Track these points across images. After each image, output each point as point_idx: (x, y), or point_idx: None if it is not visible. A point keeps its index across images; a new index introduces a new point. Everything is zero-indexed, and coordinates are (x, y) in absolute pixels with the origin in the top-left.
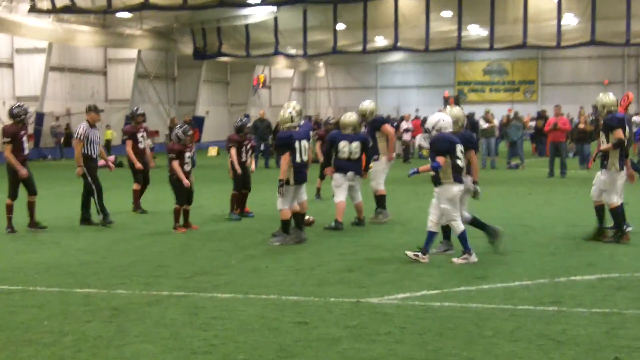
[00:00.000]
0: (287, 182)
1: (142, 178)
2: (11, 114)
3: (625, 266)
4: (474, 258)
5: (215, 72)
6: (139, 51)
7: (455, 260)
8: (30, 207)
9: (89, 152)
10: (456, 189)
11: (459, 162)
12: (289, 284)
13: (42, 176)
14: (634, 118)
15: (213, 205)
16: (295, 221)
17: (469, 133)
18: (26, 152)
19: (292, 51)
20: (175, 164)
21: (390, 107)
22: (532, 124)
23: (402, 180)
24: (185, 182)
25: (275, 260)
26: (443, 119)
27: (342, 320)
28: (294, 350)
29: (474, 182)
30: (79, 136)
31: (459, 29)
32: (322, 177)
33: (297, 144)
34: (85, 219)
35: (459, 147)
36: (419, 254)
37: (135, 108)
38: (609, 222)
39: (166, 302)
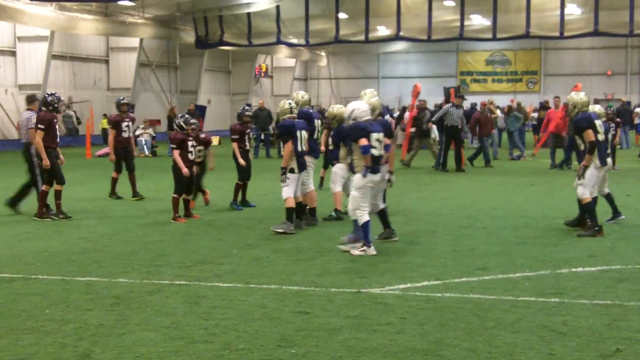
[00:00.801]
0: (292, 171)
1: (121, 167)
2: (45, 102)
3: (627, 258)
4: (372, 251)
5: (217, 60)
6: (141, 39)
7: (353, 251)
8: (57, 195)
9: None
10: (368, 178)
11: (373, 151)
12: (290, 274)
13: None
14: (637, 109)
15: (214, 194)
16: (295, 211)
17: (387, 121)
18: (58, 139)
19: (294, 40)
20: (176, 153)
21: (392, 97)
22: (535, 114)
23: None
24: (185, 171)
25: (277, 249)
26: (358, 107)
27: (343, 310)
28: (295, 339)
29: (389, 172)
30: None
31: (462, 19)
32: (325, 166)
33: (298, 133)
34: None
35: (375, 136)
36: (365, 248)
37: (121, 97)
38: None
39: (167, 291)
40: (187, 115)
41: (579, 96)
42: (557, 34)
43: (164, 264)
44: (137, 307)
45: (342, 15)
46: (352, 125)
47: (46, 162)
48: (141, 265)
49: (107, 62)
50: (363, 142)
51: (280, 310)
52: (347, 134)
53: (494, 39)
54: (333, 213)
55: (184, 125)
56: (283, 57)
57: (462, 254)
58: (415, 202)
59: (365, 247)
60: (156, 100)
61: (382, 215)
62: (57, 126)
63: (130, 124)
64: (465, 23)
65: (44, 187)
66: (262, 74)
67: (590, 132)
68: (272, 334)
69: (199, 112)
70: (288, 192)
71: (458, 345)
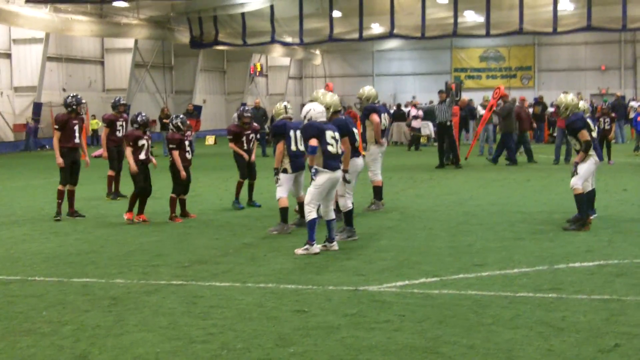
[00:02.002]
0: (284, 171)
1: (115, 165)
2: (64, 103)
3: (625, 252)
4: (315, 249)
5: (212, 60)
6: (136, 40)
7: (296, 250)
8: (70, 196)
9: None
10: (326, 176)
11: (330, 148)
12: (287, 272)
13: (39, 166)
14: (632, 103)
15: (211, 193)
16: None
17: (344, 120)
18: (77, 140)
19: (289, 39)
20: (176, 154)
21: (387, 95)
22: (530, 110)
23: (399, 167)
24: (183, 174)
25: (274, 248)
26: (314, 108)
27: (341, 309)
28: (293, 338)
29: (344, 171)
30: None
31: (455, 16)
32: None
33: (291, 133)
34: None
35: (329, 134)
36: (308, 246)
37: (117, 98)
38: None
39: (164, 291)
40: (182, 116)
41: (569, 98)
42: (551, 29)
43: (161, 264)
44: (134, 307)
45: (336, 14)
46: (307, 124)
47: (59, 160)
48: (138, 266)
49: (102, 63)
50: (313, 142)
51: (278, 309)
52: (301, 133)
53: (488, 35)
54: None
55: (180, 126)
56: (278, 56)
57: (459, 250)
58: (412, 199)
59: (308, 245)
60: (151, 101)
61: (349, 214)
62: (75, 127)
63: (124, 123)
64: (459, 20)
65: (62, 187)
66: (257, 73)
67: (584, 132)
68: (270, 333)
69: (197, 112)
70: (281, 193)
71: (456, 342)
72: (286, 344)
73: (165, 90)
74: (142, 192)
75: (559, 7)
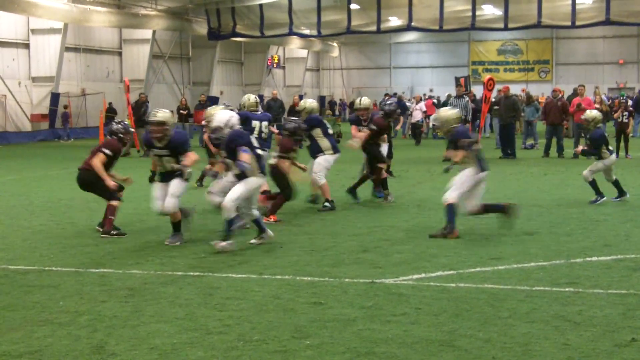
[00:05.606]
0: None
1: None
2: (111, 130)
3: None
4: (233, 247)
5: (229, 52)
6: (154, 31)
7: (216, 245)
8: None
9: None
10: (261, 181)
11: (260, 152)
12: (303, 265)
13: (56, 156)
14: None
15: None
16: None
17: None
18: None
19: (306, 31)
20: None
21: (404, 87)
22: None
23: (414, 160)
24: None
25: (290, 240)
26: (233, 115)
27: (357, 301)
28: (309, 330)
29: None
30: None
31: (473, 9)
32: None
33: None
34: None
35: (253, 140)
36: (225, 244)
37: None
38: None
39: (181, 282)
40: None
41: (594, 113)
42: (569, 23)
43: (178, 255)
44: (151, 298)
45: (354, 6)
46: (230, 133)
47: (111, 184)
48: (155, 257)
49: (120, 54)
50: (246, 157)
51: (294, 301)
52: (227, 143)
53: (506, 28)
54: (327, 204)
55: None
56: (295, 48)
57: (476, 243)
58: (428, 192)
59: (224, 244)
60: (169, 92)
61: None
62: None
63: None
64: (477, 13)
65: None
66: (275, 65)
67: (604, 147)
68: (286, 325)
69: (211, 103)
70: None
71: (473, 335)
72: (302, 336)
73: (183, 81)
74: (289, 197)
75: (578, 1)
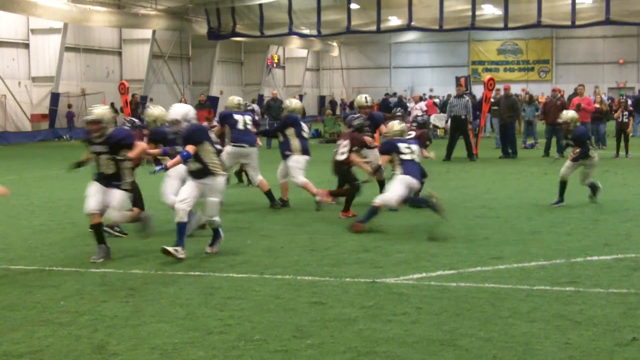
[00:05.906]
0: None
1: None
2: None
3: None
4: (182, 254)
5: (229, 52)
6: (154, 31)
7: (170, 248)
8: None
9: None
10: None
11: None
12: (304, 264)
13: (56, 156)
14: None
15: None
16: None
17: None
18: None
19: (306, 31)
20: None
21: (404, 87)
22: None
23: None
24: None
25: (291, 240)
26: (191, 108)
27: (358, 301)
28: (310, 330)
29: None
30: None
31: (473, 8)
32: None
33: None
34: None
35: (213, 136)
36: (178, 248)
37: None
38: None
39: (182, 282)
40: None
41: (570, 114)
42: (569, 22)
43: None
44: (152, 298)
45: (353, 6)
46: (189, 126)
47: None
48: (155, 257)
49: (119, 54)
50: (191, 148)
51: (295, 300)
52: (183, 135)
53: (506, 28)
54: (319, 202)
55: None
56: (295, 47)
57: (476, 243)
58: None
59: (178, 248)
60: (169, 92)
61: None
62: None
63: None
64: (477, 13)
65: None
66: (274, 65)
67: (587, 142)
68: (287, 324)
69: (211, 103)
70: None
71: (474, 334)
72: (303, 335)
73: (183, 81)
74: (358, 188)
75: (578, 0)
